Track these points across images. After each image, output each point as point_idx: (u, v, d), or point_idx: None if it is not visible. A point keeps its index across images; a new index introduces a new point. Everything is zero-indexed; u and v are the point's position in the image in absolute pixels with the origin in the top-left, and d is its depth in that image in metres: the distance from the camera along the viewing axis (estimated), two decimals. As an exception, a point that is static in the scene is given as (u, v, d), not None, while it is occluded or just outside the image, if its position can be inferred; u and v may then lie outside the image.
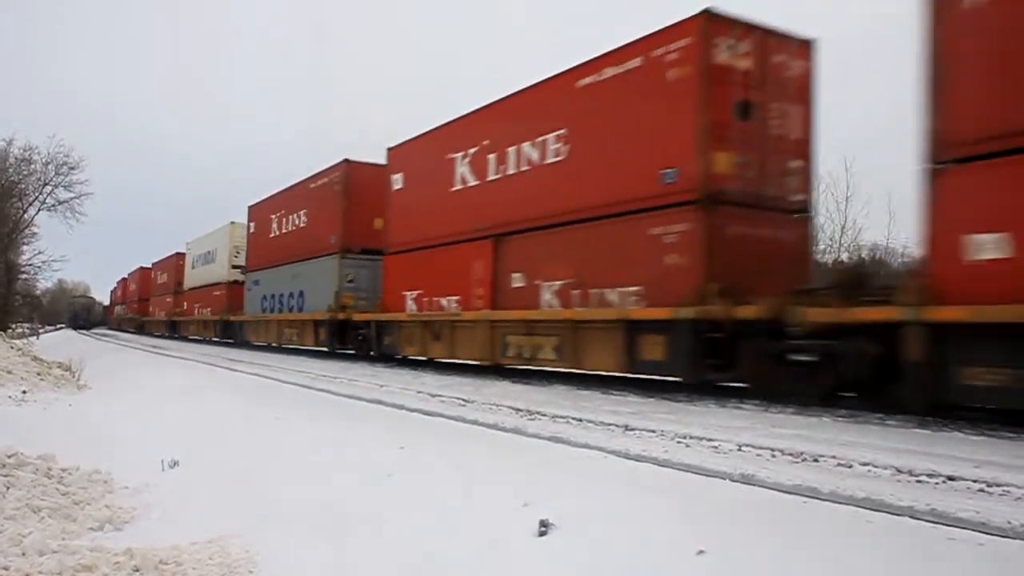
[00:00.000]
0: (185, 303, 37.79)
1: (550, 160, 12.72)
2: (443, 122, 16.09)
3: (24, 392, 11.63)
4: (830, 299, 8.80)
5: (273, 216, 25.51)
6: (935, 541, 3.75)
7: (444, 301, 15.54)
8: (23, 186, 37.19)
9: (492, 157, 14.23)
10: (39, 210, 38.26)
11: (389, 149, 18.21)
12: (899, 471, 5.24)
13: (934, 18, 7.74)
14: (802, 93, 10.95)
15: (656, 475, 5.43)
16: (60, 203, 38.07)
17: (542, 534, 4.22)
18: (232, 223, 30.96)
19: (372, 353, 18.82)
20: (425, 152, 16.73)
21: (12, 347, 18.91)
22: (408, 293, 16.86)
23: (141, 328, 51.22)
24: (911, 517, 4.14)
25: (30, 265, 40.19)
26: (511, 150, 13.70)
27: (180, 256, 40.40)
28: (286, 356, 22.36)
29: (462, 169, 15.19)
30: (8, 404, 10.49)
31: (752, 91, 10.40)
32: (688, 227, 10.15)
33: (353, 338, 19.67)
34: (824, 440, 6.53)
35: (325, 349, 21.15)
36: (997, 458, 5.64)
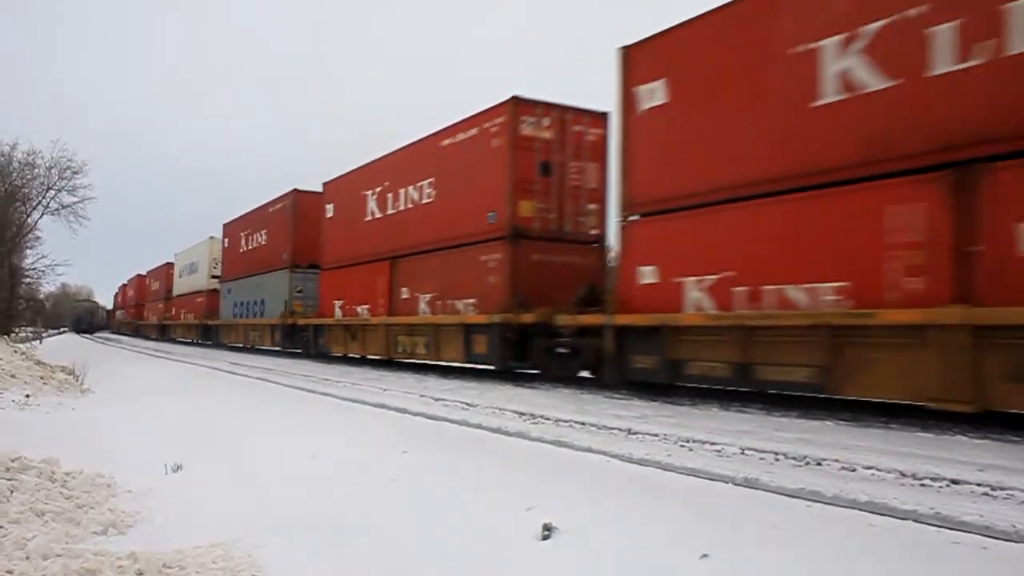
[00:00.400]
0: (173, 308, 41.20)
1: (424, 200, 16.56)
2: (362, 164, 19.73)
3: (28, 396, 11.66)
4: (576, 309, 12.31)
5: (242, 233, 29.13)
6: (939, 545, 3.75)
7: (359, 309, 19.14)
8: (27, 190, 37.28)
9: (390, 195, 17.99)
10: (42, 214, 38.35)
11: (324, 183, 21.88)
12: (903, 475, 5.23)
13: (623, 118, 11.08)
14: (597, 154, 14.24)
15: (659, 479, 5.43)
16: (63, 207, 38.14)
17: (545, 538, 4.22)
18: (211, 238, 33.77)
19: (312, 352, 22.22)
20: (348, 187, 20.37)
21: (15, 351, 18.96)
22: (336, 302, 20.44)
23: (137, 331, 53.60)
24: (915, 521, 4.13)
25: (33, 269, 40.30)
26: (402, 191, 17.41)
27: (170, 266, 43.41)
28: (257, 356, 25.39)
29: (371, 204, 18.90)
30: (12, 408, 10.52)
31: (552, 154, 13.92)
32: (501, 255, 13.75)
33: (300, 339, 22.99)
34: (827, 444, 6.52)
35: (279, 348, 25.06)
36: (1001, 462, 5.62)
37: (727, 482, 5.22)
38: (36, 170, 37.13)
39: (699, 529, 4.14)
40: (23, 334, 39.04)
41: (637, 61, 10.91)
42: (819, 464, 5.69)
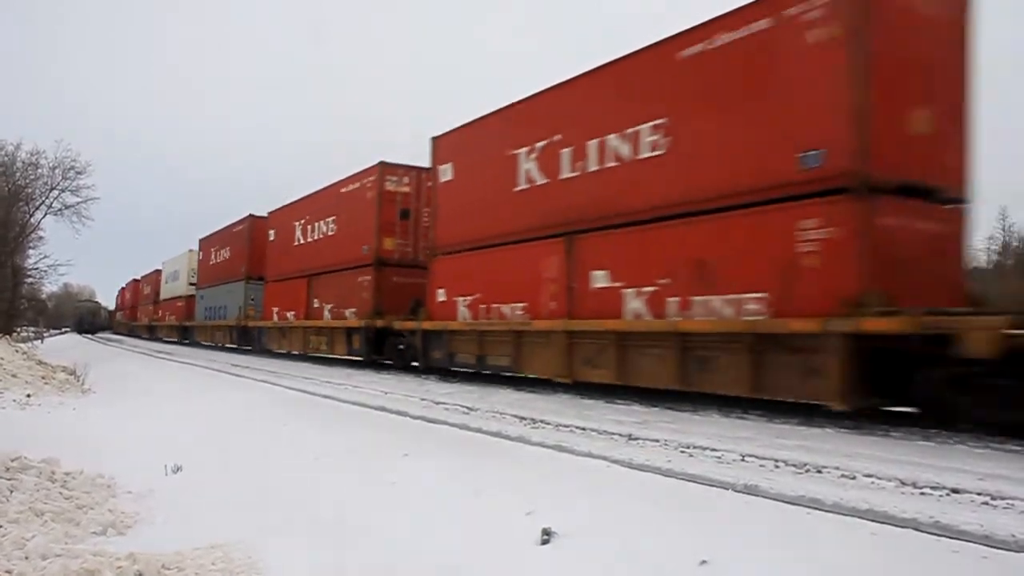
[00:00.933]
0: (160, 311, 45.12)
1: (329, 233, 21.59)
2: (294, 200, 23.66)
3: (28, 396, 11.67)
4: (405, 317, 16.91)
5: (212, 248, 33.88)
6: (939, 553, 3.75)
7: (288, 314, 23.82)
8: (30, 190, 37.34)
9: (309, 227, 22.90)
10: (45, 214, 38.39)
11: (269, 212, 26.33)
12: (903, 483, 5.23)
13: (433, 186, 16.07)
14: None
15: (659, 485, 5.43)
16: (67, 207, 38.19)
17: (545, 543, 4.22)
18: (190, 251, 38.24)
19: (257, 348, 27.36)
20: (284, 217, 24.99)
21: (17, 351, 18.98)
22: (274, 308, 25.08)
23: (131, 332, 56.78)
24: (915, 529, 4.13)
25: (36, 269, 40.33)
26: (317, 224, 22.38)
27: (158, 272, 47.17)
28: (223, 352, 29.48)
29: (297, 232, 23.93)
30: (12, 407, 10.52)
31: (410, 204, 18.65)
32: (370, 278, 18.63)
33: (250, 338, 28.09)
34: (827, 451, 6.51)
35: (235, 346, 30.27)
36: (1001, 471, 5.62)
37: (727, 488, 5.22)
38: (40, 170, 37.21)
39: (698, 535, 4.14)
40: (25, 334, 39.05)
41: (439, 147, 15.84)
42: (819, 471, 5.69)
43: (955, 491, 4.97)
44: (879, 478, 5.38)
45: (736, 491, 5.16)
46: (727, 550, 3.89)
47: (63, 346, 37.19)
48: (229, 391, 13.75)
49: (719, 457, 6.35)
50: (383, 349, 18.29)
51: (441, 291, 15.34)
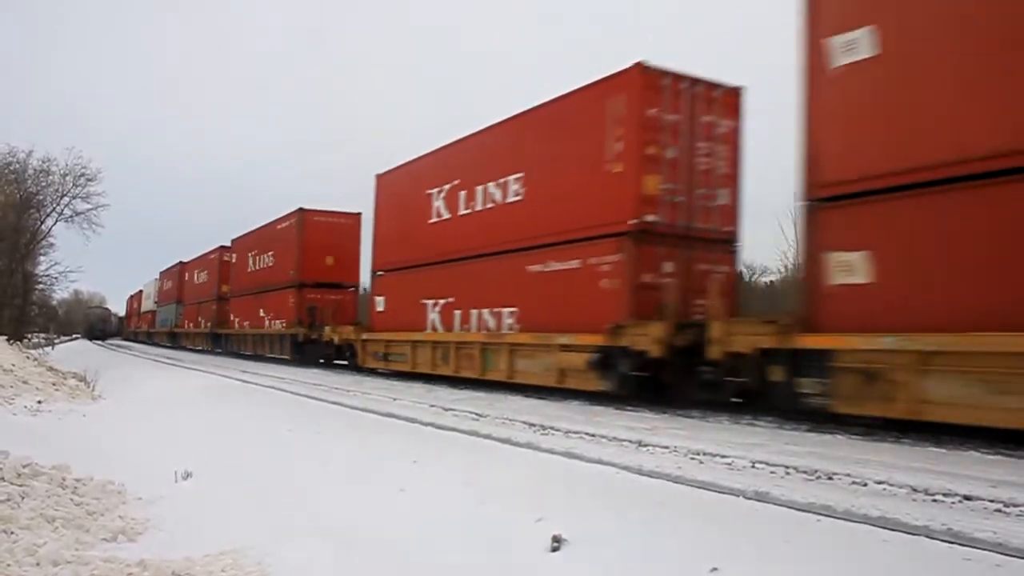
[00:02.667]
0: (143, 323, 60.69)
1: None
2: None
3: (39, 402, 11.69)
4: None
5: (164, 279, 50.54)
6: (951, 561, 3.72)
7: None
8: (41, 197, 37.48)
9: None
10: (56, 221, 38.50)
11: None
12: (914, 490, 5.20)
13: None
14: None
15: (669, 492, 5.41)
16: (77, 214, 38.27)
17: (554, 549, 4.21)
18: (155, 279, 54.72)
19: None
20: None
21: (28, 357, 19.05)
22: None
23: (127, 337, 69.65)
24: (927, 537, 4.10)
25: (47, 276, 40.44)
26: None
27: (140, 291, 63.80)
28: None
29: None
30: (24, 414, 10.55)
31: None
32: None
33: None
34: (838, 458, 6.48)
35: (169, 345, 46.25)
36: (1014, 478, 5.58)
37: (738, 495, 5.20)
38: (51, 177, 37.29)
39: (709, 543, 4.12)
40: (36, 340, 39.19)
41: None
42: (830, 478, 5.66)
43: (968, 498, 4.94)
44: (891, 485, 5.35)
45: (747, 498, 5.14)
46: (738, 557, 3.87)
47: (73, 353, 37.33)
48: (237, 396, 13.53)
49: (729, 464, 6.33)
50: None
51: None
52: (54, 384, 14.48)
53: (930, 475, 5.66)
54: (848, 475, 5.69)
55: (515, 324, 13.77)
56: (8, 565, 4.09)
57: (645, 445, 7.33)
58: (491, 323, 14.49)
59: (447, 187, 16.36)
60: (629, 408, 10.70)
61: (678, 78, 11.77)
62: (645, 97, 11.44)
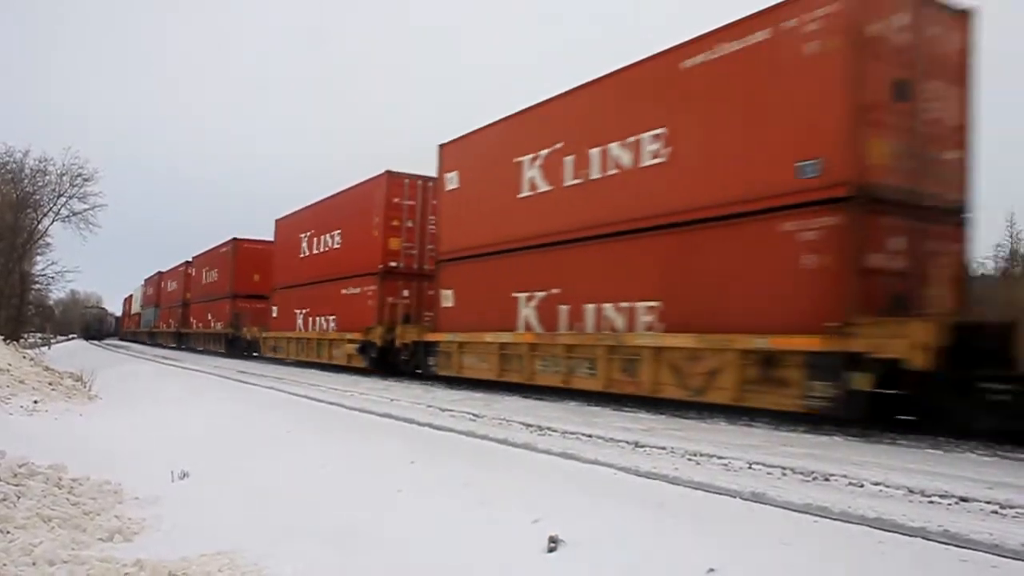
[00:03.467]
0: (132, 323, 66.52)
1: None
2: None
3: (36, 402, 11.66)
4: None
5: (149, 286, 56.27)
6: (948, 562, 3.72)
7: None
8: (38, 197, 37.43)
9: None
10: (53, 221, 38.47)
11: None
12: (911, 491, 5.20)
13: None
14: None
15: (666, 492, 5.41)
16: (74, 214, 38.25)
17: (551, 550, 4.21)
18: (140, 286, 61.65)
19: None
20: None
21: (24, 357, 19.01)
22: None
23: (122, 337, 73.89)
24: (923, 538, 4.10)
25: (43, 276, 40.45)
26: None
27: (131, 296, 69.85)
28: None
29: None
30: (20, 414, 10.53)
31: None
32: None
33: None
34: (835, 459, 6.49)
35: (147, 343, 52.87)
36: (1011, 479, 5.59)
37: (734, 496, 5.20)
38: (48, 177, 37.27)
39: (706, 543, 4.12)
40: (32, 340, 39.12)
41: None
42: (827, 479, 5.67)
43: (964, 500, 4.95)
44: (887, 486, 5.35)
45: (743, 499, 5.14)
46: (734, 558, 3.87)
47: (70, 352, 37.27)
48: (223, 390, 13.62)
49: (726, 465, 6.33)
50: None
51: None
52: (51, 384, 14.44)
53: (926, 476, 5.67)
54: (845, 476, 5.70)
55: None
56: (4, 565, 4.08)
57: (642, 446, 7.33)
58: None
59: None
60: (626, 409, 10.71)
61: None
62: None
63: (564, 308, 12.64)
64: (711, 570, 3.72)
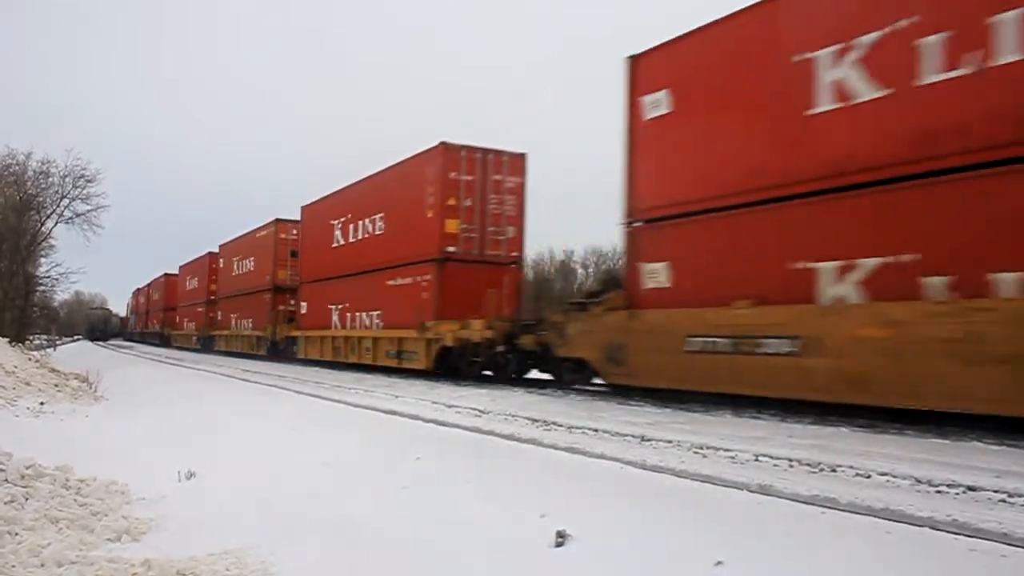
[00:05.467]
0: (127, 324, 76.39)
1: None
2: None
3: (42, 404, 11.68)
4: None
5: (134, 296, 69.22)
6: (956, 553, 3.71)
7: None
8: (41, 199, 37.45)
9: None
10: (56, 222, 38.46)
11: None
12: (918, 481, 5.19)
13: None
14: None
15: (673, 486, 5.41)
16: (77, 216, 38.21)
17: (559, 545, 4.20)
18: (131, 295, 73.01)
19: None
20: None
21: (30, 359, 19.04)
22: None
23: (127, 337, 77.58)
24: (931, 528, 4.10)
25: (48, 277, 40.43)
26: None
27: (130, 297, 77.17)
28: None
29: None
30: (26, 415, 10.55)
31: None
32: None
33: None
34: (841, 450, 6.48)
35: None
36: (1019, 468, 5.57)
37: (741, 489, 5.20)
38: (50, 179, 37.25)
39: (713, 536, 4.11)
40: (38, 342, 39.19)
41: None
42: (833, 471, 5.66)
43: (972, 489, 4.93)
44: (894, 476, 5.34)
45: (750, 491, 5.13)
46: (742, 551, 3.86)
47: (75, 353, 37.36)
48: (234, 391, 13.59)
49: (732, 457, 6.32)
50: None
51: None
52: (56, 385, 14.47)
53: (933, 466, 5.66)
54: (851, 467, 5.68)
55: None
56: (13, 567, 4.08)
57: (648, 440, 7.33)
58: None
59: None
60: (631, 402, 10.70)
61: None
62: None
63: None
64: (719, 563, 3.71)
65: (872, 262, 8.26)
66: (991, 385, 6.94)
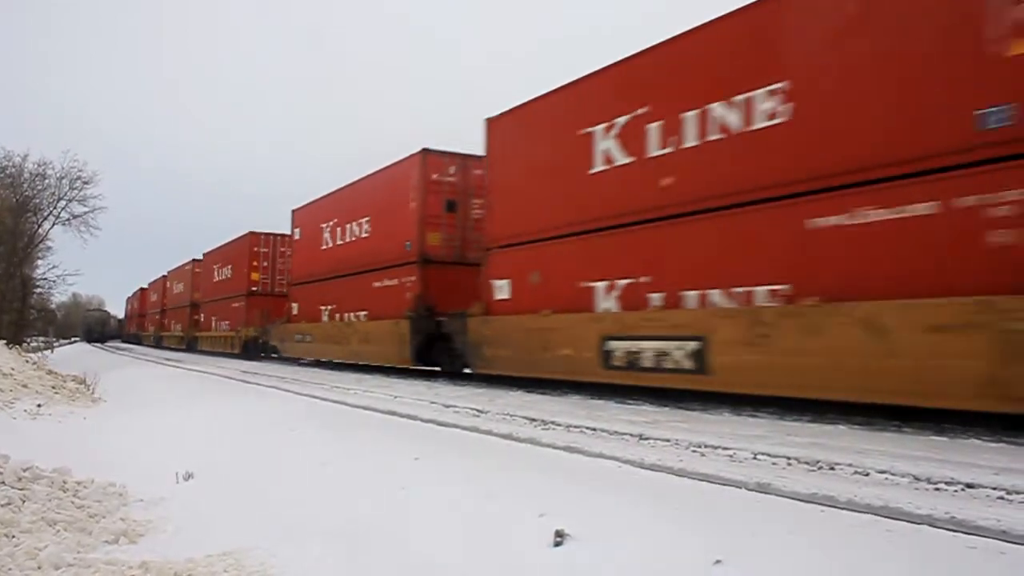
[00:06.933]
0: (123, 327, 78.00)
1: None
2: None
3: (39, 406, 11.68)
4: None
5: (133, 301, 69.38)
6: (955, 550, 3.71)
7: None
8: (38, 201, 37.47)
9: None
10: (53, 224, 38.55)
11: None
12: (917, 479, 5.19)
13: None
14: None
15: (672, 485, 5.40)
16: (74, 217, 38.36)
17: (557, 544, 4.20)
18: (125, 300, 75.25)
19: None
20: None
21: (27, 361, 19.03)
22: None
23: (125, 339, 78.08)
24: (930, 525, 4.09)
25: (45, 279, 40.49)
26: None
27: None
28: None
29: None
30: (23, 418, 10.54)
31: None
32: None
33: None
34: (840, 448, 6.48)
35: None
36: (1017, 465, 5.57)
37: (740, 487, 5.19)
38: (47, 181, 37.36)
39: (712, 535, 4.11)
40: (35, 344, 39.17)
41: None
42: (832, 469, 5.66)
43: (970, 486, 4.93)
44: (893, 474, 5.34)
45: (749, 490, 5.13)
46: (741, 549, 3.86)
47: (73, 355, 37.31)
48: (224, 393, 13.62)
49: (731, 456, 6.32)
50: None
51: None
52: (53, 387, 14.48)
53: (932, 464, 5.66)
54: (850, 465, 5.68)
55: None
56: (10, 569, 4.08)
57: (646, 439, 7.32)
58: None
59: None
60: (629, 401, 10.71)
61: None
62: None
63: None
64: (718, 561, 3.71)
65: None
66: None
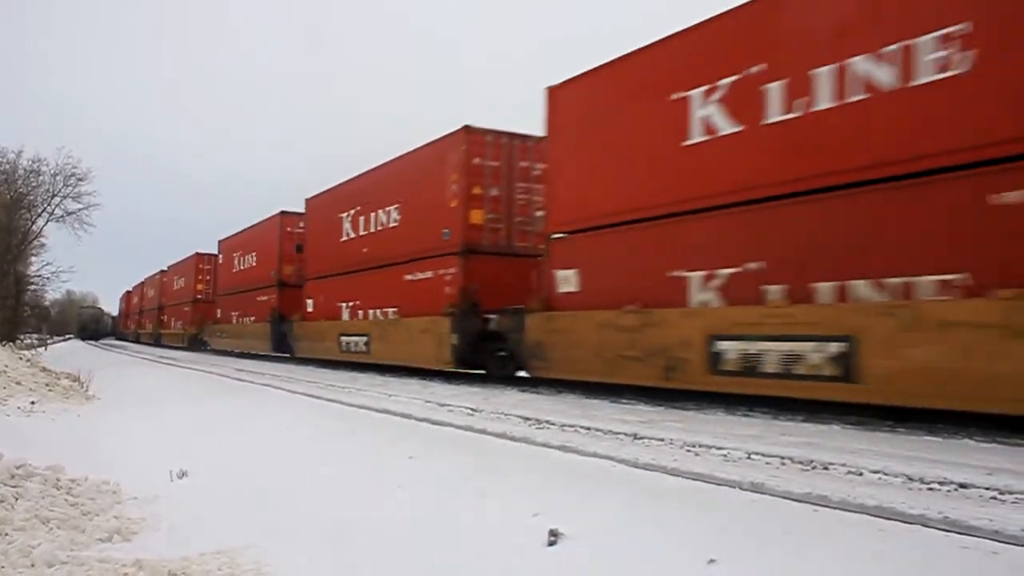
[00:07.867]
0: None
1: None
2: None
3: (33, 403, 11.64)
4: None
5: (124, 300, 72.01)
6: (948, 550, 3.72)
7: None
8: (32, 197, 37.34)
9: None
10: (47, 221, 38.39)
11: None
12: (910, 479, 5.21)
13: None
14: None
15: (665, 484, 5.41)
16: (68, 214, 38.17)
17: (551, 544, 4.20)
18: (123, 294, 73.43)
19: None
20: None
21: (21, 358, 18.98)
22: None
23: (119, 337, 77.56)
24: (923, 525, 4.10)
25: (39, 276, 40.37)
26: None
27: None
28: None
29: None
30: (17, 415, 10.51)
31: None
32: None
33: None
34: (834, 448, 6.49)
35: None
36: (1010, 465, 5.59)
37: (733, 487, 5.20)
38: (41, 177, 37.20)
39: (706, 534, 4.12)
40: (29, 341, 39.06)
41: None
42: (826, 468, 5.67)
43: (963, 486, 4.95)
44: (886, 474, 5.35)
45: (743, 489, 5.14)
46: (735, 549, 3.87)
47: (66, 353, 37.22)
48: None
49: (725, 455, 6.33)
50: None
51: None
52: (47, 385, 14.43)
53: (925, 464, 5.67)
54: (844, 465, 5.70)
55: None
56: (2, 567, 4.07)
57: (641, 438, 7.33)
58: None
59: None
60: (624, 401, 10.72)
61: None
62: None
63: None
64: (712, 561, 3.72)
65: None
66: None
